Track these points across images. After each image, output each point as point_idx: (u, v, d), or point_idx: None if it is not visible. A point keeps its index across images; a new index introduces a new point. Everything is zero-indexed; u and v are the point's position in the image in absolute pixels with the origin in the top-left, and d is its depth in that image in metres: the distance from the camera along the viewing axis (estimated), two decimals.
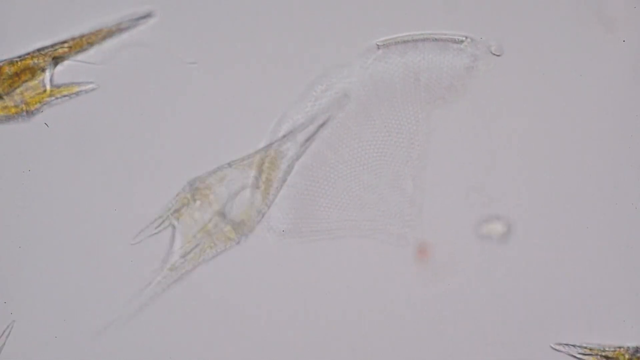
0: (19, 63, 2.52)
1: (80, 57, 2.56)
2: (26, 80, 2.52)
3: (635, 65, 2.65)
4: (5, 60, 2.55)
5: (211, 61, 2.65)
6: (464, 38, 2.57)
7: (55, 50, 2.54)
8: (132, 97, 2.64)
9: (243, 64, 2.65)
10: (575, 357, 2.55)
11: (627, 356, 2.55)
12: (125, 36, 2.58)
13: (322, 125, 2.58)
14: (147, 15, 2.58)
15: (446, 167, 2.66)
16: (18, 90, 2.51)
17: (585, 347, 2.54)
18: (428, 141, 2.59)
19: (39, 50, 2.55)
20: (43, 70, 2.54)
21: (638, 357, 2.53)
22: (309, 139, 2.60)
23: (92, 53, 2.57)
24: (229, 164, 2.60)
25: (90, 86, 2.52)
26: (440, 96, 2.60)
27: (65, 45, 2.53)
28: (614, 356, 2.54)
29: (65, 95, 2.53)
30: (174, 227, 2.59)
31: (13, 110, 2.51)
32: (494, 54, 2.46)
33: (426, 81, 2.58)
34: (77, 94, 2.55)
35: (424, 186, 2.64)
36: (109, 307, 2.59)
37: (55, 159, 2.63)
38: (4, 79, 2.49)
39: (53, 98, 2.56)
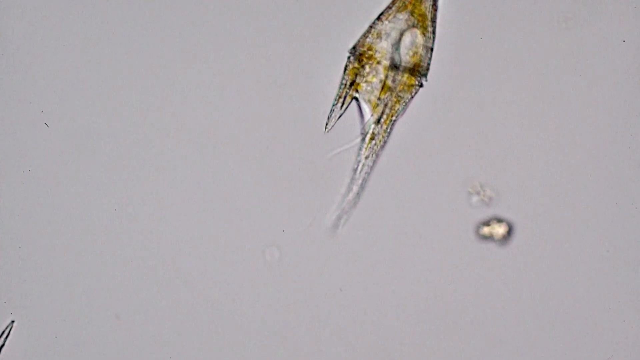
0: None
1: None
2: None
3: (635, 65, 2.65)
4: None
5: None
6: None
7: None
8: (130, 96, 2.65)
9: None
10: None
11: None
12: None
13: None
14: None
15: (446, 168, 2.66)
16: None
17: None
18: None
19: None
20: None
21: None
22: None
23: None
24: (378, 18, 2.62)
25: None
26: None
27: None
28: None
29: None
30: (356, 99, 2.63)
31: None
32: None
33: None
34: None
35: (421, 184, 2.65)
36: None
37: (55, 159, 2.63)
38: None
39: None
